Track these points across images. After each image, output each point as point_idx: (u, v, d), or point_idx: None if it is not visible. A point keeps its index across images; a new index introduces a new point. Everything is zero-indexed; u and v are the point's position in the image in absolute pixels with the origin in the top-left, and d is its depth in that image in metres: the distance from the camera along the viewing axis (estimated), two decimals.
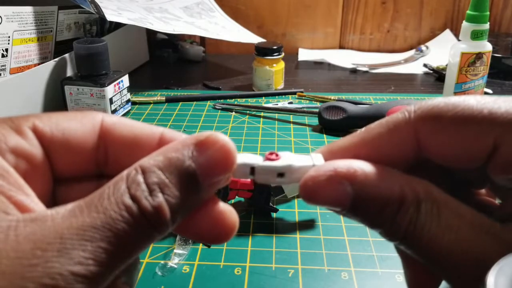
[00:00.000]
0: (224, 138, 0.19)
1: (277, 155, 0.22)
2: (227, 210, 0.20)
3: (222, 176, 0.19)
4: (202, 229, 0.20)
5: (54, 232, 0.16)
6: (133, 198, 0.17)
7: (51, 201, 0.22)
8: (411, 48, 1.08)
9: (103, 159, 0.22)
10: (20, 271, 0.15)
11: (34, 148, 0.20)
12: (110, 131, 0.22)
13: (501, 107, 0.20)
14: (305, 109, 0.76)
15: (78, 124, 0.21)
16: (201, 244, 0.44)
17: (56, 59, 0.73)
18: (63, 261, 0.16)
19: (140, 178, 0.18)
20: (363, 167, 0.20)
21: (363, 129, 0.23)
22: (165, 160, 0.18)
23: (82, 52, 0.68)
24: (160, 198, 0.18)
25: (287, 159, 0.22)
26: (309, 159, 0.22)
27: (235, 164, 0.19)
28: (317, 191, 0.20)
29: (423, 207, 0.20)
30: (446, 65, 0.79)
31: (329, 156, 0.22)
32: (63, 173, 0.22)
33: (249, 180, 0.22)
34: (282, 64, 0.85)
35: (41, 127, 0.21)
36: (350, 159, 0.21)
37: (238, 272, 0.41)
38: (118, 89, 0.71)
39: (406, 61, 1.02)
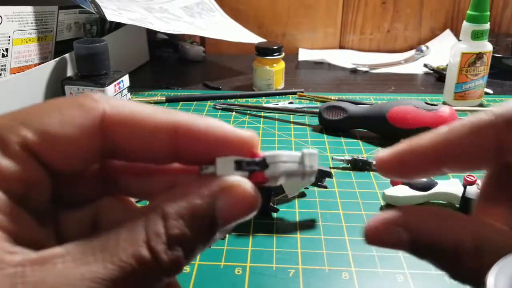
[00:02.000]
0: (248, 186, 0.19)
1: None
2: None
3: (240, 221, 0.20)
4: None
5: (66, 283, 0.16)
6: (151, 250, 0.17)
7: (53, 201, 0.21)
8: (411, 48, 1.08)
9: (111, 147, 0.21)
10: None
11: (25, 168, 0.19)
12: (112, 122, 0.21)
13: None
14: (305, 109, 0.76)
15: (76, 126, 0.20)
16: None
17: (56, 59, 0.73)
18: None
19: (160, 227, 0.18)
20: (419, 213, 0.21)
21: (445, 128, 0.22)
22: (188, 207, 0.18)
23: (82, 52, 0.68)
24: (179, 253, 0.18)
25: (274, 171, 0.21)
26: (300, 164, 0.21)
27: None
28: (376, 239, 0.21)
29: (486, 256, 0.19)
30: (447, 65, 0.79)
31: (411, 154, 0.22)
32: (68, 172, 0.21)
33: None
34: (282, 64, 0.85)
35: (32, 140, 0.19)
36: (407, 206, 0.21)
37: (238, 272, 0.41)
38: (118, 89, 0.71)
39: (406, 61, 1.02)
